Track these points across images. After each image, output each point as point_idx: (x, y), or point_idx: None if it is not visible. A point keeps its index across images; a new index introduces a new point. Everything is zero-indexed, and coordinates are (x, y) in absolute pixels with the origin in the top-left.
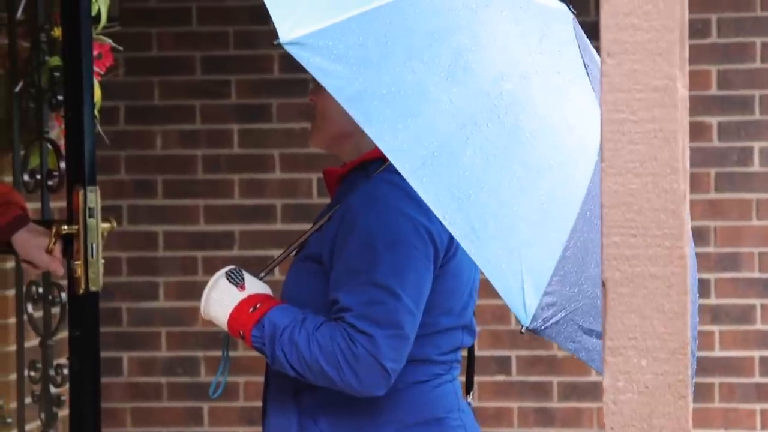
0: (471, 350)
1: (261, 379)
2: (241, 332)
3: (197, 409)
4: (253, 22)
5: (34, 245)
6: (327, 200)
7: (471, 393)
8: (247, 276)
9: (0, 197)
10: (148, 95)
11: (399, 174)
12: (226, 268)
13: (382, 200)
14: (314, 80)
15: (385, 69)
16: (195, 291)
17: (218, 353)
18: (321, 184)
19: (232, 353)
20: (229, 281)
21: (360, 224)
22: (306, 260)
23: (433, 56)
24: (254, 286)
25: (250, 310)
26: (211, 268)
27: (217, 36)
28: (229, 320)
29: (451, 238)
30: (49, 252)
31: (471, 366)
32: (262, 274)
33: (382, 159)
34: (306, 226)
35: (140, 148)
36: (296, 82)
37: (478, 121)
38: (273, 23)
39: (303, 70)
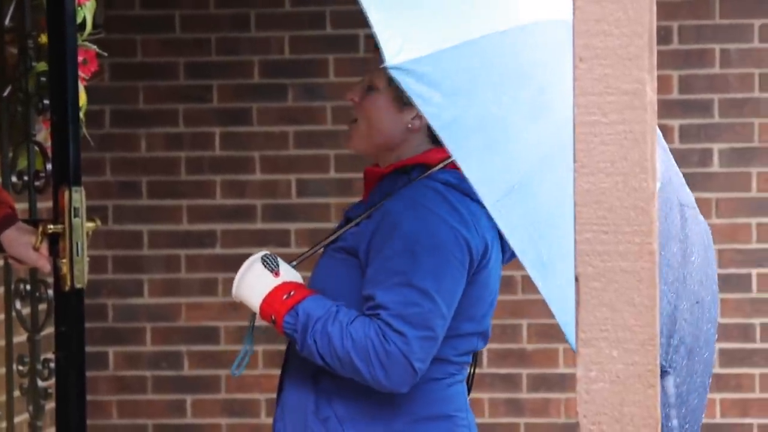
0: (475, 356)
1: (243, 372)
2: (273, 317)
3: (181, 401)
4: (234, 29)
5: (22, 243)
6: (306, 200)
7: (469, 393)
8: (281, 263)
9: None
10: (133, 99)
11: (442, 182)
12: (261, 253)
13: (425, 206)
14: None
15: (476, 100)
16: (179, 288)
17: (200, 348)
18: (300, 184)
19: (213, 348)
20: (265, 266)
21: (402, 226)
22: (340, 251)
23: (518, 91)
24: (288, 273)
25: (284, 297)
26: (194, 266)
27: (199, 42)
28: (262, 305)
29: (485, 250)
30: (36, 249)
31: (473, 369)
32: (294, 263)
33: (425, 165)
34: (286, 226)
35: (125, 150)
36: (276, 88)
37: (553, 159)
38: (379, 46)
39: (282, 75)
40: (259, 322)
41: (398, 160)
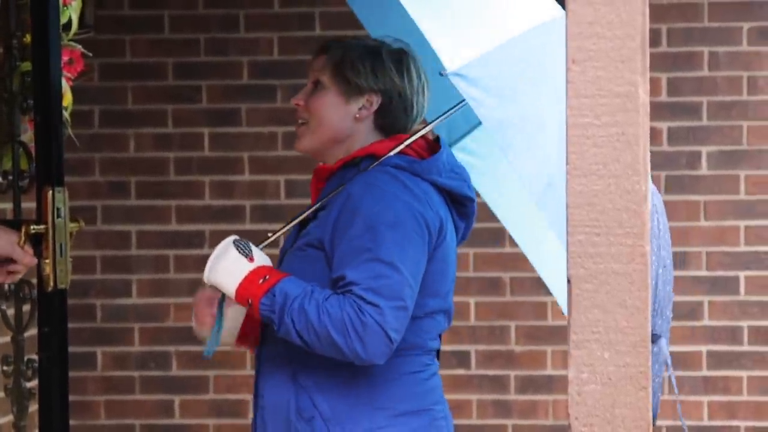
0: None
1: (230, 373)
2: (249, 300)
3: (169, 402)
4: (223, 29)
5: (7, 241)
6: (294, 201)
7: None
8: (254, 248)
9: None
10: (122, 100)
11: (392, 165)
12: (232, 238)
13: (381, 187)
14: (290, 91)
15: (517, 98)
16: (167, 288)
17: (189, 348)
18: (289, 185)
19: (201, 348)
20: (239, 252)
21: (362, 208)
22: (306, 248)
23: (548, 88)
24: (260, 258)
25: (260, 281)
26: (183, 266)
27: (188, 43)
28: (238, 289)
29: (441, 225)
30: (21, 248)
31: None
32: (261, 247)
33: (373, 155)
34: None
35: (114, 150)
36: (265, 88)
37: None
38: (437, 52)
39: (271, 76)
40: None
41: (347, 153)
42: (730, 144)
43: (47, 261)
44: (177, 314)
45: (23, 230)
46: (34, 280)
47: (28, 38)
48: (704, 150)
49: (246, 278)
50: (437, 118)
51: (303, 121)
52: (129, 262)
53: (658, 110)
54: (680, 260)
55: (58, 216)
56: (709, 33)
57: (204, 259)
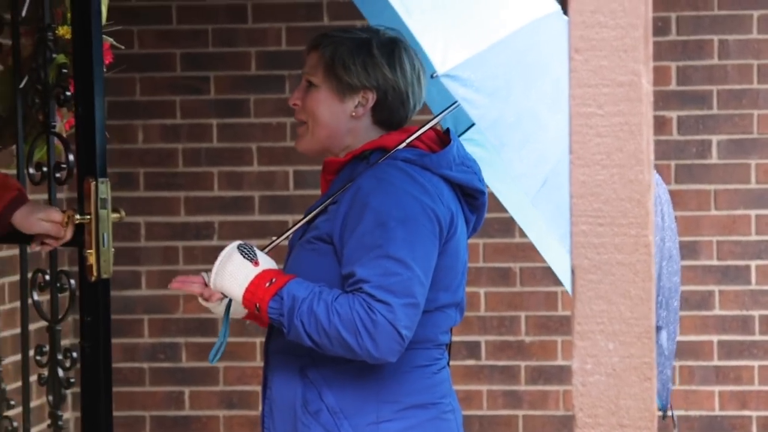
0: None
1: (240, 364)
2: (257, 305)
3: (179, 393)
4: (231, 20)
5: (35, 219)
6: (303, 192)
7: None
8: (258, 252)
9: None
10: (130, 91)
11: (402, 159)
12: (236, 243)
13: (391, 182)
14: (296, 83)
15: (511, 97)
16: None
17: (199, 340)
18: (297, 176)
19: (211, 340)
20: (243, 256)
21: (372, 203)
22: (315, 242)
23: (541, 85)
24: (266, 261)
25: (267, 284)
26: (192, 257)
27: (196, 34)
28: (245, 294)
29: (451, 219)
30: (63, 226)
31: (449, 338)
32: (265, 251)
33: (382, 148)
34: (283, 217)
35: (123, 142)
36: (273, 79)
37: None
38: (427, 54)
39: (279, 67)
40: (235, 314)
41: (349, 149)
42: (740, 133)
43: (90, 251)
44: (186, 306)
45: (66, 214)
46: (72, 270)
47: (61, 30)
48: (714, 139)
49: (252, 282)
50: (444, 111)
51: (302, 122)
52: (138, 254)
53: (667, 99)
54: (691, 250)
55: (102, 207)
56: (719, 21)
57: (213, 251)
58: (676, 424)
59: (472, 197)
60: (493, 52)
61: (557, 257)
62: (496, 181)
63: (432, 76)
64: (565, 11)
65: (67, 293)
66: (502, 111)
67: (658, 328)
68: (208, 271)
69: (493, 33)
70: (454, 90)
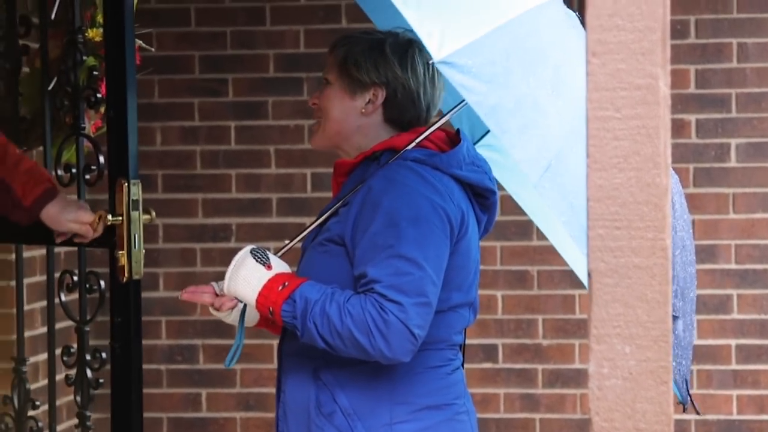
0: (464, 330)
1: (257, 366)
2: (270, 308)
3: (196, 395)
4: (250, 22)
5: (64, 220)
6: (320, 194)
7: (463, 365)
8: (271, 255)
9: (24, 173)
10: (149, 93)
11: (412, 159)
12: (249, 247)
13: (402, 182)
14: (316, 84)
15: (510, 84)
16: (194, 282)
17: (215, 341)
18: (315, 178)
19: (228, 342)
20: (256, 260)
21: (383, 204)
22: (327, 244)
23: (540, 72)
24: (279, 265)
25: (280, 288)
26: (209, 259)
27: (215, 36)
28: (258, 298)
29: (462, 218)
30: (93, 227)
31: (463, 339)
32: (279, 254)
33: (393, 149)
34: (301, 220)
35: (141, 143)
36: (291, 81)
37: (577, 133)
38: (422, 41)
39: (297, 69)
40: (248, 321)
41: (361, 148)
42: (759, 136)
43: (122, 252)
44: (204, 308)
45: (99, 214)
46: (102, 271)
47: (90, 33)
48: (733, 142)
49: (265, 286)
50: (451, 110)
51: (317, 119)
52: (156, 256)
53: (686, 102)
54: (709, 253)
55: (134, 208)
56: (738, 24)
57: (231, 253)
58: (698, 410)
59: (483, 197)
60: (491, 38)
61: (577, 259)
62: (514, 184)
63: (428, 63)
64: (582, 15)
65: (96, 294)
66: (501, 97)
67: (674, 318)
68: (222, 276)
69: (492, 20)
70: (451, 76)
